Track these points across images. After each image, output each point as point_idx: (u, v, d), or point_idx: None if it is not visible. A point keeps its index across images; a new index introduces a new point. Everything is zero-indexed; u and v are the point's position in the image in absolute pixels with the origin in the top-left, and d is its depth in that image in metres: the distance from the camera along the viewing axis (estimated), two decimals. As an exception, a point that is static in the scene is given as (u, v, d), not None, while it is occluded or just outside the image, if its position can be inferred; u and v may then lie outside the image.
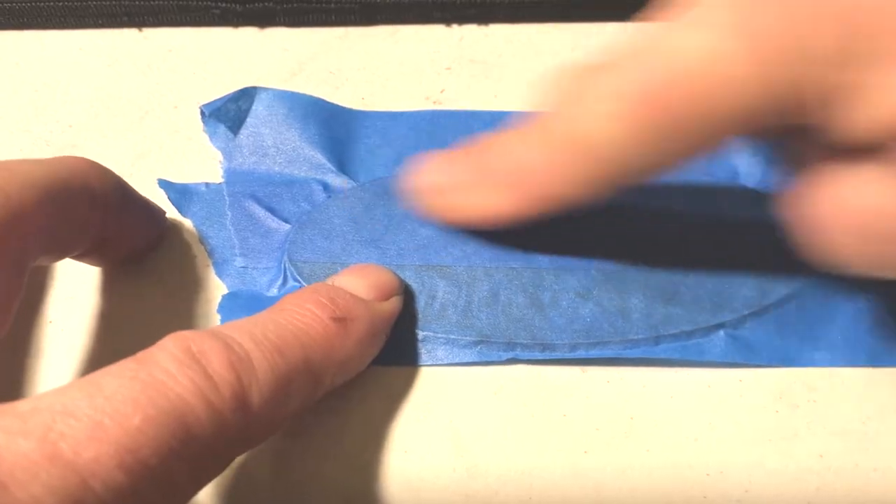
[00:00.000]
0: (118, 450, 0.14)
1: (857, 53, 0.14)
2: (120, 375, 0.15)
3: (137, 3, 0.28)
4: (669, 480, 0.21)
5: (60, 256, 0.21)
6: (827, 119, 0.15)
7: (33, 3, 0.28)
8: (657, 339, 0.22)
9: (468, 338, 0.22)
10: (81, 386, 0.15)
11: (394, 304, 0.22)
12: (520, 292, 0.23)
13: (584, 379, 0.22)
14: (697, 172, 0.24)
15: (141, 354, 0.16)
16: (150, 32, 0.28)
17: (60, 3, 0.28)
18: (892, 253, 0.16)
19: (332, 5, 0.28)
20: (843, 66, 0.14)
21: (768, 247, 0.23)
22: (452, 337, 0.22)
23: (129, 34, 0.28)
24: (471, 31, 0.28)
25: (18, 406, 0.14)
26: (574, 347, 0.22)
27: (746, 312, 0.22)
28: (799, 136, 0.17)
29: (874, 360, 0.22)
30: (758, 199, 0.24)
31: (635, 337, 0.22)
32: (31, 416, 0.14)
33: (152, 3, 0.28)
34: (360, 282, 0.21)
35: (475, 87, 0.27)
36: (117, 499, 0.14)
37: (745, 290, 0.22)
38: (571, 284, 0.23)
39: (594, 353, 0.22)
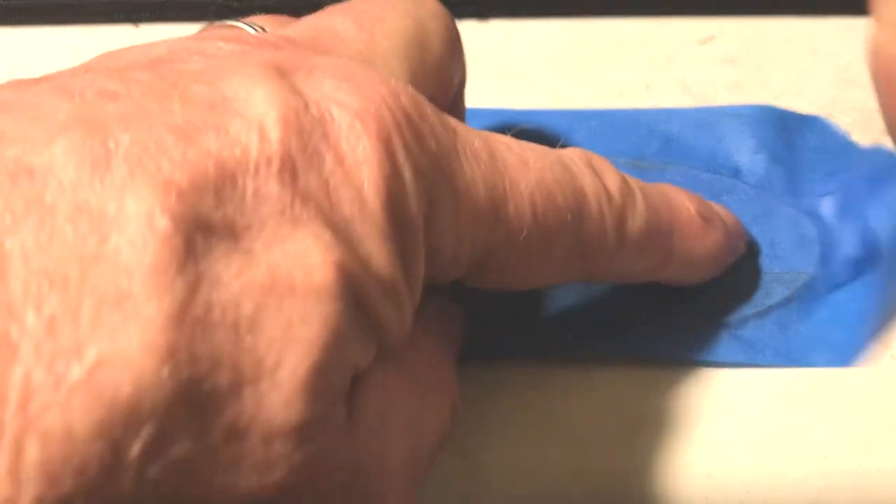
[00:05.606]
0: (530, 187, 0.15)
1: None
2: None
3: (133, -1, 0.28)
4: (670, 481, 0.21)
5: None
6: None
7: (28, 0, 0.28)
8: (658, 339, 0.22)
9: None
10: None
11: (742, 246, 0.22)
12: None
13: (584, 379, 0.22)
14: (699, 170, 0.24)
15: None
16: (146, 28, 0.28)
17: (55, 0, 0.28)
18: None
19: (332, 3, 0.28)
20: None
21: (770, 246, 0.22)
22: (451, 336, 0.22)
23: (125, 30, 0.28)
24: (470, 26, 0.28)
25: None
26: (574, 347, 0.22)
27: (749, 312, 0.22)
28: None
29: (876, 361, 0.22)
30: (759, 198, 0.23)
31: (636, 337, 0.22)
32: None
33: (148, -1, 0.28)
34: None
35: (474, 85, 0.27)
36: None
37: (747, 289, 0.22)
38: (570, 283, 0.22)
39: (594, 352, 0.22)
